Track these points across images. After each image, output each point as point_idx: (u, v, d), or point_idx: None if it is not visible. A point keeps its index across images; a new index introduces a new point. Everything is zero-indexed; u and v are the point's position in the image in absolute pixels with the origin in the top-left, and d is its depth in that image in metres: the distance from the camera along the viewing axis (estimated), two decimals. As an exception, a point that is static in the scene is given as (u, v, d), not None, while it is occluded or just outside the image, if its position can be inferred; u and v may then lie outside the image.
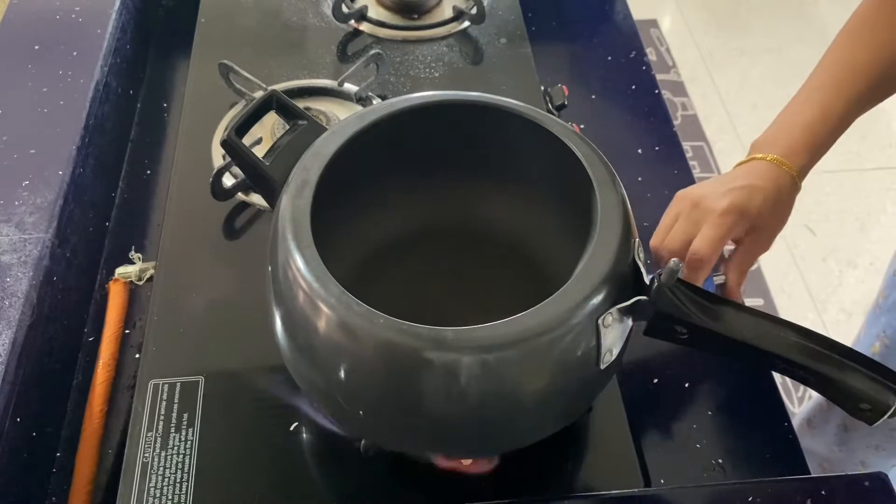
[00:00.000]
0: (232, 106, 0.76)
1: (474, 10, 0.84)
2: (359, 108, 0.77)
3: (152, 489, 0.51)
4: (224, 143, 0.49)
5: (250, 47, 0.82)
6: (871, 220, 1.78)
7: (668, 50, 2.18)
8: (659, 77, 0.91)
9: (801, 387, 1.49)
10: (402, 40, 0.85)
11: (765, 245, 0.62)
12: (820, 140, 0.60)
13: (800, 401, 1.49)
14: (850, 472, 0.52)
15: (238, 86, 0.75)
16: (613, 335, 0.44)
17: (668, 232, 0.61)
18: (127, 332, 0.65)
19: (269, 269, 0.46)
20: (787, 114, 0.63)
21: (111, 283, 0.67)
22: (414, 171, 0.56)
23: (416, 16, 0.87)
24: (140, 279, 0.68)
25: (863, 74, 0.60)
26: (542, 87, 0.78)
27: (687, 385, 0.63)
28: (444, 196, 0.58)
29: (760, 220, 0.59)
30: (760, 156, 0.60)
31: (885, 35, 0.60)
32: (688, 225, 0.59)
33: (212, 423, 0.55)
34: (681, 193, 0.62)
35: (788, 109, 0.63)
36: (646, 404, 0.61)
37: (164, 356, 0.58)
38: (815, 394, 1.09)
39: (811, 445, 0.99)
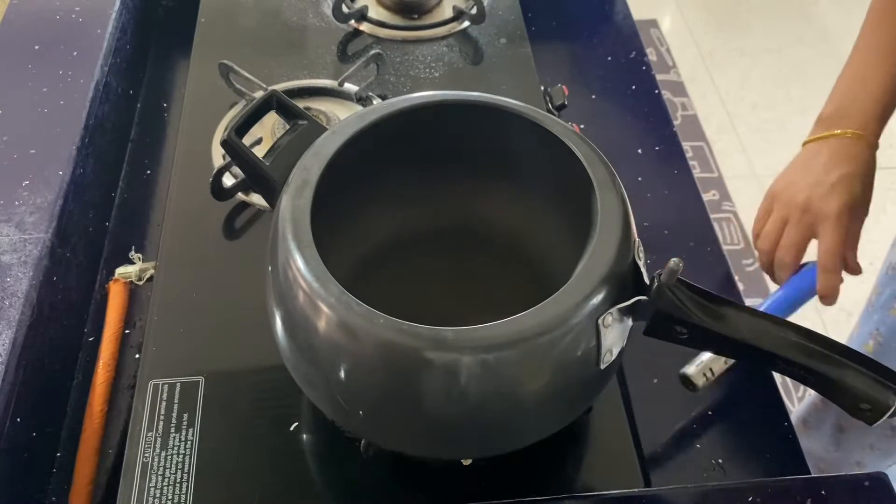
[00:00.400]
0: (232, 106, 0.76)
1: (474, 10, 0.84)
2: (359, 108, 0.77)
3: (152, 489, 0.51)
4: (224, 143, 0.49)
5: (250, 47, 0.82)
6: (871, 220, 1.77)
7: (668, 50, 2.18)
8: (659, 77, 0.91)
9: (801, 387, 1.49)
10: (402, 40, 0.85)
11: (865, 215, 0.64)
12: (888, 107, 0.62)
13: (799, 400, 1.49)
14: (848, 473, 0.52)
15: (238, 86, 0.75)
16: (613, 335, 0.44)
17: (776, 236, 0.63)
18: (127, 332, 0.65)
19: (269, 269, 0.46)
20: (847, 86, 0.64)
21: (111, 283, 0.68)
22: (414, 171, 0.56)
23: (416, 16, 0.87)
24: (140, 279, 0.68)
25: None
26: (542, 87, 0.78)
27: (687, 385, 0.63)
28: (444, 196, 0.58)
29: (864, 203, 0.62)
30: (839, 132, 0.62)
31: None
32: (801, 230, 0.61)
33: (212, 423, 0.55)
34: (780, 195, 0.64)
35: (847, 82, 0.64)
36: (646, 404, 0.61)
37: (164, 356, 0.58)
38: (811, 393, 1.09)
39: (807, 446, 0.99)
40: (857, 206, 0.61)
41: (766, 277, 1.72)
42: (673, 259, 0.43)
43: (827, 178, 0.60)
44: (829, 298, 0.62)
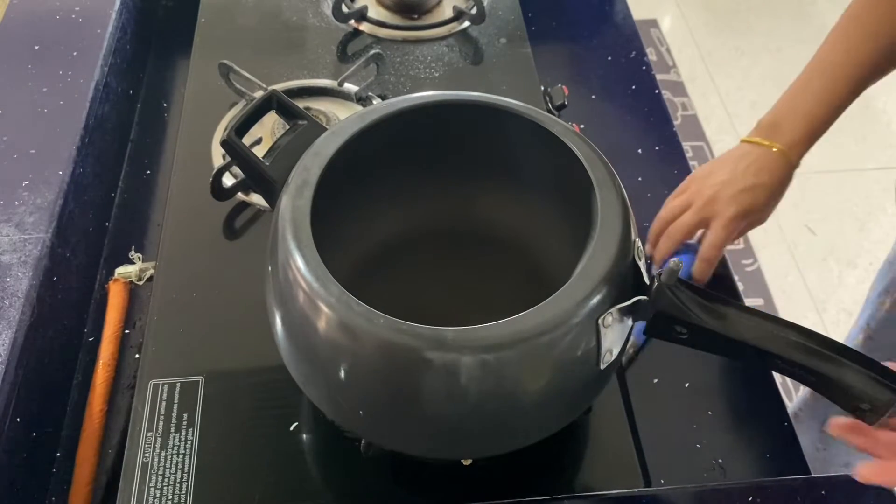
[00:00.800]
0: (232, 106, 0.76)
1: (474, 10, 0.84)
2: (359, 108, 0.77)
3: (152, 489, 0.51)
4: (224, 143, 0.49)
5: (250, 47, 0.82)
6: (871, 220, 1.78)
7: (668, 50, 2.18)
8: (659, 77, 0.91)
9: (801, 387, 1.49)
10: (402, 40, 0.85)
11: (762, 222, 0.68)
12: (820, 127, 0.66)
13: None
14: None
15: (238, 86, 0.75)
16: (613, 335, 0.44)
17: (677, 212, 0.67)
18: (127, 332, 0.65)
19: (269, 269, 0.46)
20: (788, 100, 0.68)
21: (111, 283, 0.67)
22: (414, 171, 0.56)
23: (416, 16, 0.87)
24: (140, 279, 0.68)
25: (859, 64, 0.65)
26: (542, 87, 0.78)
27: (687, 385, 0.63)
28: (445, 196, 0.58)
29: (762, 213, 0.66)
30: (767, 143, 0.66)
31: (880, 27, 0.65)
32: (697, 219, 0.66)
33: (212, 423, 0.55)
34: (697, 181, 0.68)
35: (790, 95, 0.68)
36: (646, 404, 0.61)
37: (164, 356, 0.58)
38: (804, 389, 1.09)
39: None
40: (753, 214, 0.66)
41: (766, 276, 1.70)
42: (673, 259, 0.43)
43: (740, 181, 0.65)
44: (701, 282, 0.67)
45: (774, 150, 0.65)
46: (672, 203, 0.68)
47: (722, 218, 0.64)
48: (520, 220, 0.59)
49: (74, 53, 0.74)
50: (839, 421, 0.47)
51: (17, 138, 0.66)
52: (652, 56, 2.12)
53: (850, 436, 0.47)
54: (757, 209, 0.65)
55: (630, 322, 0.46)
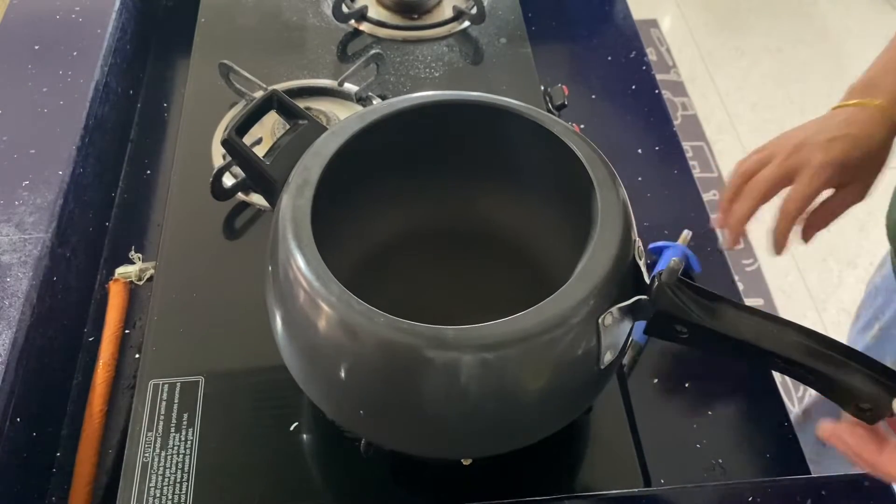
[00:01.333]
0: (232, 106, 0.76)
1: (474, 10, 0.84)
2: (359, 108, 0.77)
3: (152, 489, 0.51)
4: (225, 143, 0.49)
5: (250, 47, 0.82)
6: (871, 221, 1.77)
7: (668, 50, 2.18)
8: (659, 77, 0.91)
9: (801, 386, 1.49)
10: (402, 40, 0.85)
11: (859, 196, 0.61)
12: None
13: (800, 400, 1.49)
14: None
15: (238, 86, 0.75)
16: (614, 334, 0.44)
17: (755, 168, 0.59)
18: (127, 332, 0.65)
19: (270, 268, 0.46)
20: (885, 60, 0.61)
21: (111, 283, 0.67)
22: (414, 171, 0.56)
23: (416, 16, 0.87)
24: (140, 279, 0.68)
25: None
26: (542, 87, 0.78)
27: (687, 385, 0.63)
28: (445, 196, 0.58)
29: (857, 173, 0.58)
30: (865, 100, 0.59)
31: None
32: (781, 169, 0.58)
33: (212, 423, 0.55)
34: (780, 137, 0.60)
35: (886, 56, 0.62)
36: (646, 404, 0.61)
37: (164, 356, 0.58)
38: (810, 393, 1.09)
39: None
40: (845, 171, 0.57)
41: (766, 276, 1.69)
42: (673, 258, 0.43)
43: (831, 132, 0.58)
44: (780, 249, 0.60)
45: (874, 104, 0.58)
46: (751, 159, 0.60)
47: (810, 167, 0.56)
48: (520, 220, 0.59)
49: (74, 53, 0.74)
50: (833, 424, 0.45)
51: (17, 138, 0.66)
52: (652, 56, 2.12)
53: (836, 440, 0.44)
54: (850, 163, 0.57)
55: (631, 321, 0.46)
